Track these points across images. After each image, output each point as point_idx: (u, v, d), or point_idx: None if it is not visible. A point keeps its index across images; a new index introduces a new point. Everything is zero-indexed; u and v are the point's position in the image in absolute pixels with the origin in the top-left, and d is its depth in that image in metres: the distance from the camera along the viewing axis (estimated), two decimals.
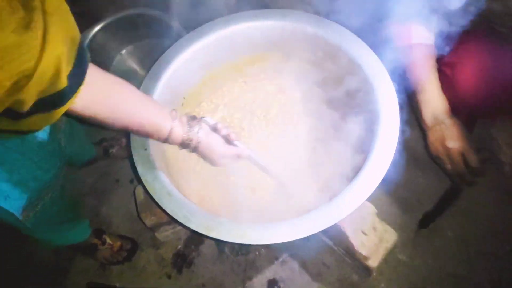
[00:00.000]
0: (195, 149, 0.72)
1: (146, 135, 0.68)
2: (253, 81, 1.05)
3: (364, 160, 0.71)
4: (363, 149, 0.77)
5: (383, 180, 0.68)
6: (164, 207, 0.69)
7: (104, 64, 1.27)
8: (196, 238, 1.11)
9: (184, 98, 0.97)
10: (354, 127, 0.83)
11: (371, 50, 0.82)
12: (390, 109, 0.74)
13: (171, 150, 0.85)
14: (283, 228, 0.65)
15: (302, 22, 0.89)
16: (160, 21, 1.18)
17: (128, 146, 1.25)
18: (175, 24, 1.15)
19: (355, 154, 0.82)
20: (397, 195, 1.12)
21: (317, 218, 0.65)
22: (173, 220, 0.71)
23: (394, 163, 0.69)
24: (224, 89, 1.04)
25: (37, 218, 0.76)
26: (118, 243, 1.07)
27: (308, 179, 0.93)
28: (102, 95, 0.57)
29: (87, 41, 1.18)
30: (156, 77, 0.86)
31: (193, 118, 0.73)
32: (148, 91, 0.85)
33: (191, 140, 0.69)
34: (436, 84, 0.84)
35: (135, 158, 0.76)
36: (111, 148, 1.21)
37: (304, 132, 1.02)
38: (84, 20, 1.37)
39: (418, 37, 0.84)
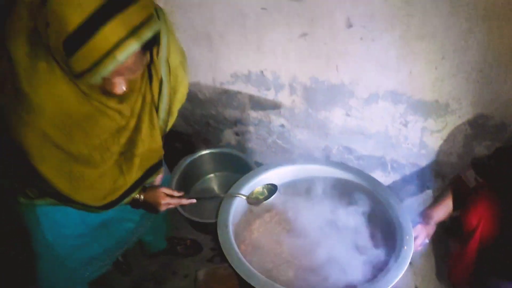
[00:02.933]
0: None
1: None
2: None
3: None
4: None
5: None
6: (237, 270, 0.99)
7: (191, 182, 1.76)
8: None
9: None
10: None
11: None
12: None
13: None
14: None
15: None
16: (239, 158, 1.68)
17: (191, 246, 1.61)
18: (250, 162, 1.64)
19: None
20: None
21: None
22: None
23: None
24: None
25: None
26: None
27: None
28: None
29: (185, 164, 1.70)
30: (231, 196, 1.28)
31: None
32: (226, 205, 1.24)
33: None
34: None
35: (219, 232, 1.11)
36: (178, 246, 1.57)
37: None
38: (185, 151, 1.96)
39: None
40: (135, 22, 0.70)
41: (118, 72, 0.73)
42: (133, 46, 0.69)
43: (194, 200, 1.15)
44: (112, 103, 0.84)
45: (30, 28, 0.72)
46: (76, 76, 0.72)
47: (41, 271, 1.12)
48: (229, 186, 1.31)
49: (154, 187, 1.11)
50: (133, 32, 0.69)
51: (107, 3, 0.67)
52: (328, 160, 1.46)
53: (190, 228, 1.64)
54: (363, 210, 1.19)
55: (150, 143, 0.99)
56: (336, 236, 1.17)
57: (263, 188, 1.23)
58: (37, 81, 0.73)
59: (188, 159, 1.69)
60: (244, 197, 1.22)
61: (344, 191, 1.28)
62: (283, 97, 1.64)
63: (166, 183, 1.38)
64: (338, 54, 1.40)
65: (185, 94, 1.20)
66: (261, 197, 1.21)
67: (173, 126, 2.14)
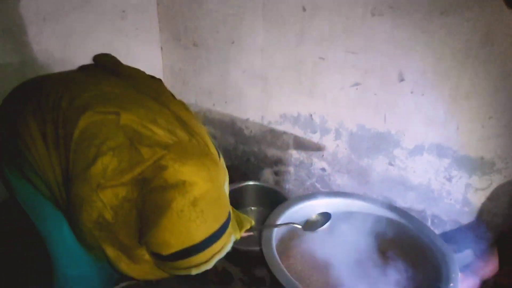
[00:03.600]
0: None
1: None
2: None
3: None
4: None
5: None
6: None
7: None
8: None
9: None
10: None
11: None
12: None
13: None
14: None
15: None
16: (280, 196, 1.73)
17: (222, 274, 1.60)
18: (283, 193, 1.69)
19: None
20: None
21: None
22: None
23: None
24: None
25: None
26: None
27: None
28: None
29: None
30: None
31: None
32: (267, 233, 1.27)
33: None
34: None
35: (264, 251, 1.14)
36: (209, 273, 1.57)
37: None
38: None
39: None
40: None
41: None
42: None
43: (251, 233, 1.17)
44: None
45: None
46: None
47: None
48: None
49: None
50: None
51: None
52: (372, 197, 1.49)
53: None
54: (406, 254, 1.20)
55: None
56: (375, 274, 1.17)
57: (317, 216, 1.28)
58: None
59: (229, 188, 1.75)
60: (300, 227, 1.27)
61: (387, 231, 1.29)
62: (328, 141, 1.73)
63: None
64: (387, 104, 1.50)
65: None
66: (316, 225, 1.25)
67: None
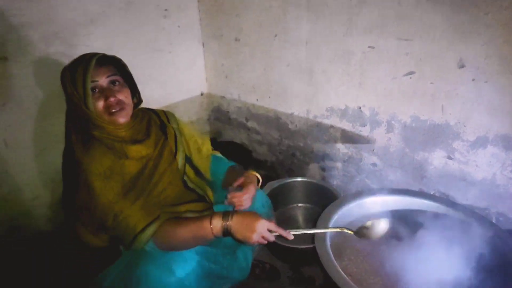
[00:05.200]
0: (231, 233, 1.03)
1: (200, 243, 1.07)
2: None
3: None
4: None
5: None
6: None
7: (274, 208, 1.80)
8: None
9: None
10: None
11: None
12: None
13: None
14: None
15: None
16: (330, 193, 1.71)
17: (270, 270, 1.61)
18: (332, 189, 1.66)
19: None
20: None
21: None
22: None
23: None
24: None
25: None
26: None
27: None
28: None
29: (271, 188, 1.76)
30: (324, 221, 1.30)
31: (227, 213, 1.05)
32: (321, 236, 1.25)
33: (227, 227, 1.03)
34: None
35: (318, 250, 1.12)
36: (257, 268, 1.58)
37: None
38: (268, 178, 2.04)
39: None
40: None
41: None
42: None
43: (291, 237, 1.09)
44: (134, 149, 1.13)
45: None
46: None
47: None
48: (315, 219, 1.32)
49: (250, 212, 1.08)
50: None
51: None
52: (436, 196, 1.41)
53: (268, 252, 1.66)
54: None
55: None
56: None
57: (372, 223, 1.15)
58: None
59: (275, 184, 1.75)
60: (352, 233, 1.17)
61: (457, 233, 1.23)
62: (379, 135, 1.67)
63: (265, 208, 1.40)
64: (445, 94, 1.42)
65: (209, 149, 1.45)
66: (371, 232, 1.13)
67: (258, 154, 2.26)
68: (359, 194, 1.39)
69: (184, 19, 2.13)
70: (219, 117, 2.44)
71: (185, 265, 1.05)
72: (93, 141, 1.09)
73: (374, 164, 1.75)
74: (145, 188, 1.13)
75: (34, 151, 1.64)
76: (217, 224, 1.04)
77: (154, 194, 1.15)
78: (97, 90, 1.09)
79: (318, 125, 1.87)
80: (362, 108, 1.68)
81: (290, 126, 2.00)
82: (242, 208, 1.20)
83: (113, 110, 1.10)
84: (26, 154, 1.62)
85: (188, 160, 1.32)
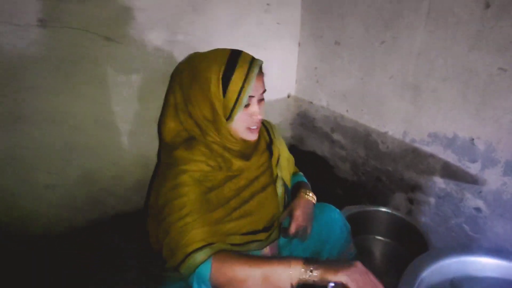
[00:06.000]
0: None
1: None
2: None
3: None
4: None
5: None
6: None
7: None
8: None
9: None
10: None
11: None
12: None
13: None
14: None
15: None
16: (407, 224, 1.47)
17: None
18: (428, 241, 1.41)
19: None
20: None
21: None
22: None
23: None
24: None
25: None
26: None
27: None
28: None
29: (346, 214, 1.57)
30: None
31: (309, 260, 0.83)
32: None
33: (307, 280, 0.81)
34: None
35: None
36: None
37: None
38: (346, 199, 1.85)
39: None
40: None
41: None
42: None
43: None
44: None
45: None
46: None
47: None
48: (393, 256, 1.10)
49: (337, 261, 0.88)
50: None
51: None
52: None
53: None
54: None
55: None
56: None
57: None
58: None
59: (354, 210, 1.57)
60: None
61: None
62: (491, 175, 1.38)
63: (343, 233, 1.22)
64: None
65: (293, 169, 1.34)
66: None
67: (339, 170, 2.08)
68: (462, 250, 1.10)
69: (285, 15, 2.04)
70: (304, 123, 2.31)
71: None
72: (199, 143, 0.99)
73: (478, 209, 1.46)
74: (226, 204, 1.01)
75: (122, 132, 1.70)
76: (296, 273, 0.83)
77: (233, 215, 1.01)
78: (249, 105, 0.97)
79: (415, 151, 1.63)
80: (475, 141, 1.40)
81: (380, 146, 1.79)
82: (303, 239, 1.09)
83: (253, 128, 1.01)
84: (114, 134, 1.68)
85: (286, 186, 1.19)
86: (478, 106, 1.36)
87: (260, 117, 1.00)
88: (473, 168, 1.44)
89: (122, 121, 1.67)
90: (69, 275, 1.48)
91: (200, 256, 0.86)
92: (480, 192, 1.43)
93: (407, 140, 1.65)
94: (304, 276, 0.82)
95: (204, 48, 1.65)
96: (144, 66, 1.64)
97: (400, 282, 0.98)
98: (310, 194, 1.19)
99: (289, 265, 0.83)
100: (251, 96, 0.96)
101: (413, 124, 1.61)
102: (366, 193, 1.92)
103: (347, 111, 1.94)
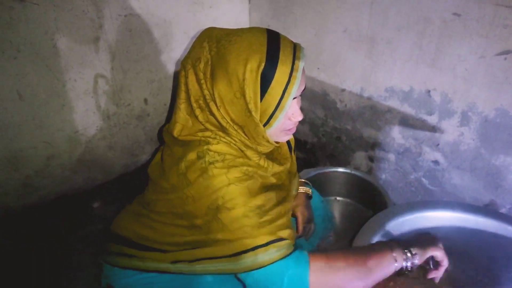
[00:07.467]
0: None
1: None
2: None
3: None
4: None
5: None
6: None
7: None
8: None
9: None
10: None
11: None
12: None
13: None
14: None
15: None
16: (374, 190, 1.46)
17: None
18: (387, 199, 1.40)
19: None
20: None
21: None
22: None
23: None
24: None
25: None
26: None
27: None
28: None
29: (306, 177, 1.54)
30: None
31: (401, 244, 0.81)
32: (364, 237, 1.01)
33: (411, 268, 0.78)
34: None
35: None
36: None
37: None
38: (306, 163, 1.81)
39: None
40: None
41: None
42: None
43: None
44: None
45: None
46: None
47: None
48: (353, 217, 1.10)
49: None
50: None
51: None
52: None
53: None
54: None
55: None
56: None
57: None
58: None
59: (312, 173, 1.53)
60: None
61: None
62: (449, 127, 1.37)
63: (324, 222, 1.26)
64: None
65: None
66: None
67: (298, 133, 2.03)
68: (418, 205, 1.08)
69: None
70: None
71: None
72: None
73: (436, 162, 1.46)
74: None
75: (52, 107, 1.52)
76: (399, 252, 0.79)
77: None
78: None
79: (373, 107, 1.59)
80: (431, 92, 1.38)
81: (338, 105, 1.74)
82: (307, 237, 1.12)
83: (290, 128, 0.86)
84: (43, 110, 1.50)
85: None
86: (434, 55, 1.32)
87: (300, 118, 0.84)
88: (430, 121, 1.42)
89: (49, 95, 1.49)
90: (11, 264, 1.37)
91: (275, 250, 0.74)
92: (438, 144, 1.43)
93: (365, 96, 1.61)
94: (405, 264, 0.78)
95: (141, 4, 1.47)
96: (70, 30, 1.46)
97: (360, 230, 0.97)
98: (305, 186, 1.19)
99: (391, 251, 0.79)
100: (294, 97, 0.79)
101: (370, 80, 1.56)
102: (326, 154, 1.89)
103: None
